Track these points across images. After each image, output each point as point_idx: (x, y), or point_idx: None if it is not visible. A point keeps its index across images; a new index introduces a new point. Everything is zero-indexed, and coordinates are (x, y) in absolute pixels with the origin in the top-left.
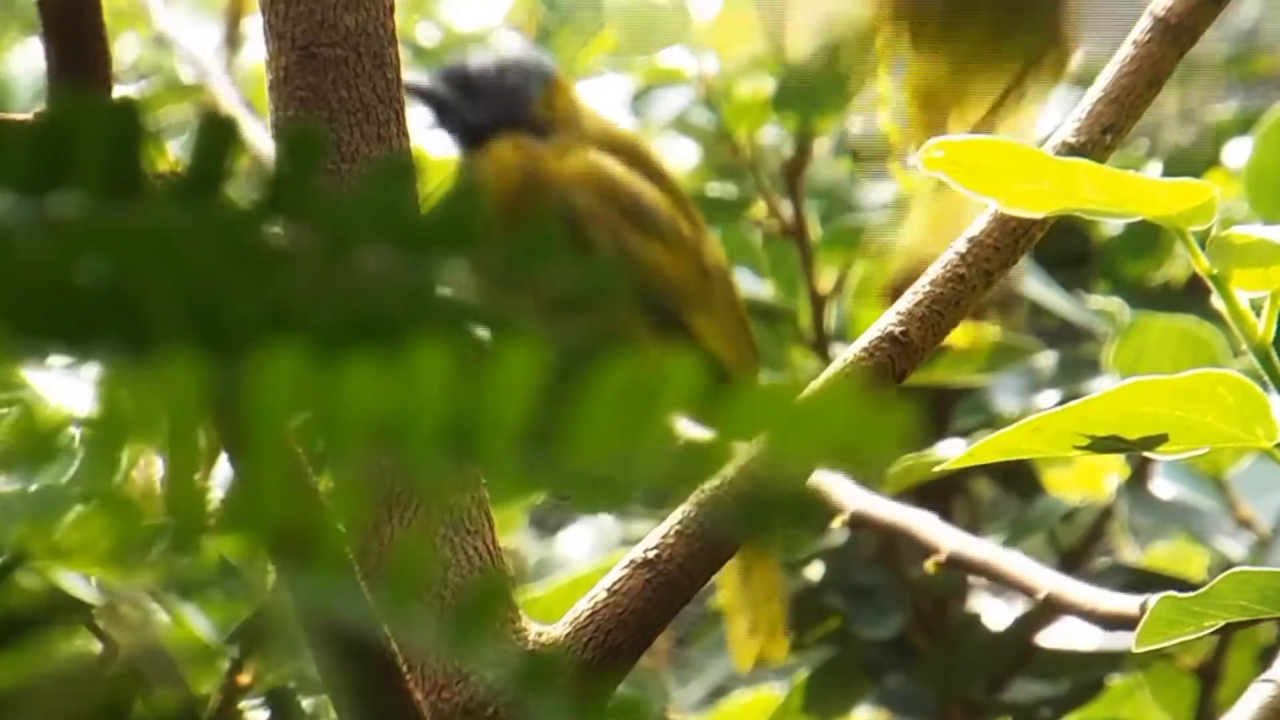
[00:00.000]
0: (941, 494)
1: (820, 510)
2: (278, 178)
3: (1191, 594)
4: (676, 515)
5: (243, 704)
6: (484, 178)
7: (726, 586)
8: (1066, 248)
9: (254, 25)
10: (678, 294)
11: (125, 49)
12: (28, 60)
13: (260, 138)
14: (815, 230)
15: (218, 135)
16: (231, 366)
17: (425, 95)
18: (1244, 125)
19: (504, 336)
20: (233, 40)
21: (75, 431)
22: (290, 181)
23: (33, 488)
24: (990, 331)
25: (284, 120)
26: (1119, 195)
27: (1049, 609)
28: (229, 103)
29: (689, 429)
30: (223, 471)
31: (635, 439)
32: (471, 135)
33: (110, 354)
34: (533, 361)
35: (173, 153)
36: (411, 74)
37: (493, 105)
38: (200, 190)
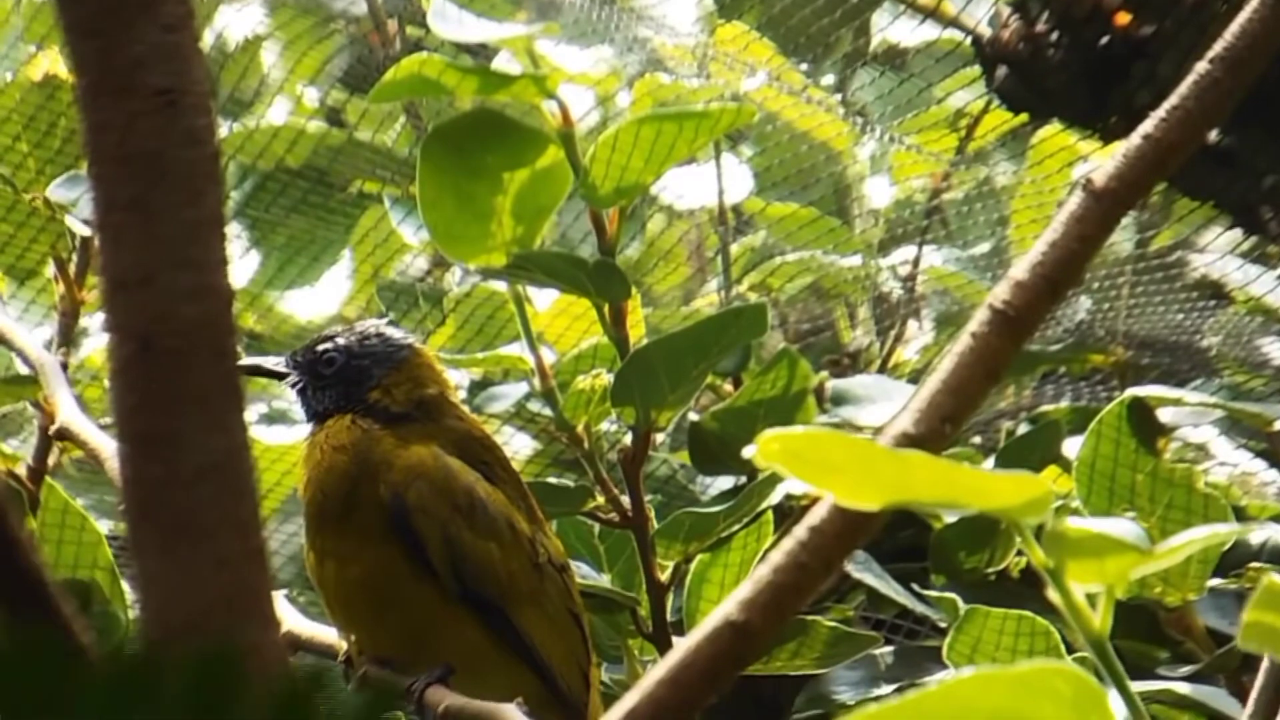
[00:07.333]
0: None
1: None
2: None
3: None
4: None
5: None
6: (315, 456)
7: None
8: (903, 539)
9: (94, 320)
10: (507, 590)
11: None
12: None
13: (94, 434)
14: (654, 521)
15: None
16: None
17: (275, 376)
18: (1077, 420)
19: None
20: (68, 335)
21: None
22: None
23: None
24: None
25: (125, 410)
26: (955, 489)
27: None
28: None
29: None
30: None
31: None
32: (318, 417)
33: None
34: None
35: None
36: (261, 358)
37: (336, 392)
38: None
